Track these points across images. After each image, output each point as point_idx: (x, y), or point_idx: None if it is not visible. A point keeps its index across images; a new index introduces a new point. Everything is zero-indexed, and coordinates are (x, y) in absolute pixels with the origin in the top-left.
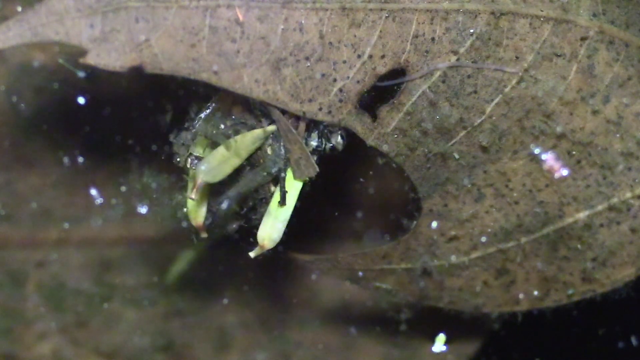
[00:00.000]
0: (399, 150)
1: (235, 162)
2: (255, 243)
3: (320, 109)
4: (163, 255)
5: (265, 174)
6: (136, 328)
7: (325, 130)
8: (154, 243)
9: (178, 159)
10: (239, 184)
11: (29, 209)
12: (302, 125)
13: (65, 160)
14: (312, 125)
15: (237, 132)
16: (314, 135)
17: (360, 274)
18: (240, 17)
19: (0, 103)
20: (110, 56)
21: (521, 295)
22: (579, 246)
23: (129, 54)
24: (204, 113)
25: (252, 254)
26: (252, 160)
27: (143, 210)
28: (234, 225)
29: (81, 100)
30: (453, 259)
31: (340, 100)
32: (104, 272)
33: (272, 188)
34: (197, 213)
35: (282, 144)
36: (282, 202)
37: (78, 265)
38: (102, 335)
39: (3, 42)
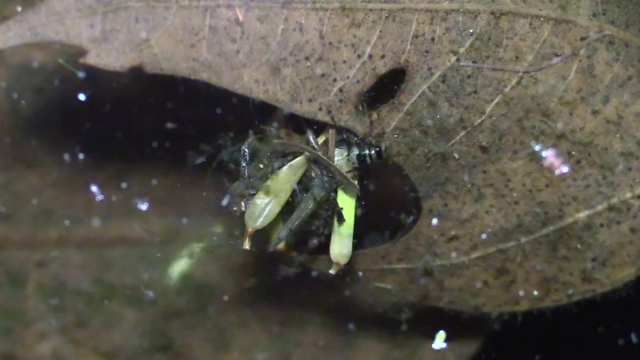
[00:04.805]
0: (399, 150)
1: (280, 202)
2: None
3: (320, 109)
4: (163, 255)
5: (313, 200)
6: (136, 328)
7: (362, 143)
8: (154, 243)
9: (235, 208)
10: (293, 217)
11: (29, 209)
12: (332, 141)
13: (66, 159)
14: (346, 138)
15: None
16: (354, 150)
17: (360, 274)
18: (240, 17)
19: (0, 102)
20: (110, 56)
21: (521, 295)
22: (579, 246)
23: (129, 53)
24: (245, 157)
25: (331, 271)
26: (303, 185)
27: (144, 207)
28: (314, 241)
29: (82, 97)
30: (453, 258)
31: (340, 100)
32: (104, 272)
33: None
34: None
35: (323, 167)
36: (340, 219)
37: (78, 265)
38: (102, 335)
39: (3, 42)
